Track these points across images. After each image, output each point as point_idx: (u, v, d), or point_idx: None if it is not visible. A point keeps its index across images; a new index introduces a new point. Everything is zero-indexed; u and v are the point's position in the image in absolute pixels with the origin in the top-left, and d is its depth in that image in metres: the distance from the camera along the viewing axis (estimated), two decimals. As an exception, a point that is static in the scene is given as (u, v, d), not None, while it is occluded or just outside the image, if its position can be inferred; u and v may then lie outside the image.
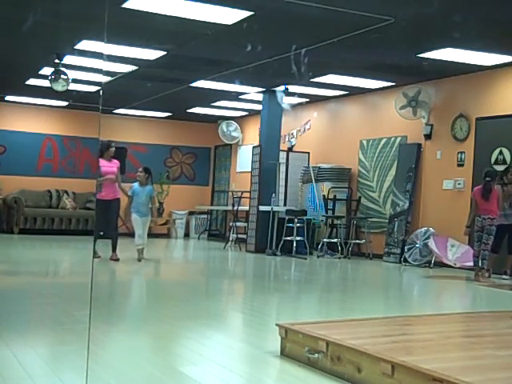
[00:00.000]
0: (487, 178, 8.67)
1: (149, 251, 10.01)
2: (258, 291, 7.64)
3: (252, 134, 15.17)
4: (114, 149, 9.60)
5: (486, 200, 8.63)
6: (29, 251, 11.39)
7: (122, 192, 9.66)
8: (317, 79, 10.81)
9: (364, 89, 11.70)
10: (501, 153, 9.58)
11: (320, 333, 3.79)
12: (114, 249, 9.38)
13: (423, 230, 10.47)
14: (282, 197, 12.57)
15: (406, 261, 10.55)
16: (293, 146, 13.48)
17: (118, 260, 9.24)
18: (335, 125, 12.98)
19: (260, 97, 12.57)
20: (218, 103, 13.87)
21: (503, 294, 7.85)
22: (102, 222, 9.62)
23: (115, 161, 9.65)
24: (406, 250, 10.60)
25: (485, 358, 3.52)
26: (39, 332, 4.60)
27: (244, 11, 7.17)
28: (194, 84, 11.63)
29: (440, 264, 10.01)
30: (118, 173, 9.60)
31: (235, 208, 13.53)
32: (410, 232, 10.72)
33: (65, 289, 6.82)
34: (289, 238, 11.52)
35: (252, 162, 12.56)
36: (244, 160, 15.36)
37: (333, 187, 12.09)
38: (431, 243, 9.86)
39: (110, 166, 9.54)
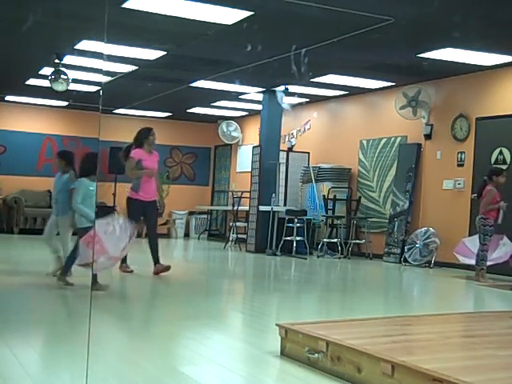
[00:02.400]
0: (484, 177, 8.67)
1: (147, 252, 9.98)
2: (258, 291, 7.64)
3: (252, 134, 15.17)
4: (154, 137, 7.97)
5: (480, 199, 8.63)
6: (29, 251, 11.37)
7: (157, 191, 8.14)
8: (317, 79, 10.81)
9: (364, 89, 11.70)
10: (501, 153, 9.58)
11: (320, 333, 3.79)
12: (156, 260, 7.86)
13: (423, 229, 10.47)
14: (282, 197, 12.57)
15: (406, 261, 10.55)
16: (293, 146, 13.48)
17: (165, 270, 7.75)
18: (335, 125, 12.98)
19: (260, 97, 12.56)
20: (218, 103, 13.87)
21: (503, 293, 7.86)
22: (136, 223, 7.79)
23: (156, 153, 8.07)
24: (405, 250, 10.60)
25: (485, 358, 3.52)
26: (39, 332, 4.60)
27: (244, 11, 7.17)
28: (194, 84, 11.63)
29: (440, 264, 10.02)
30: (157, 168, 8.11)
31: (235, 208, 13.52)
32: (410, 232, 10.72)
33: (65, 289, 6.81)
34: (289, 238, 11.51)
35: (252, 161, 12.56)
36: (244, 160, 15.36)
37: (333, 187, 12.09)
38: (467, 244, 9.08)
39: (151, 160, 7.90)
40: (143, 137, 7.91)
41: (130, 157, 7.80)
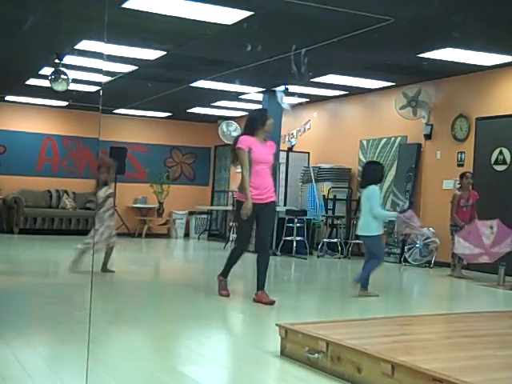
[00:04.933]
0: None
1: (147, 252, 9.97)
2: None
3: (252, 134, 15.15)
4: (272, 123, 6.35)
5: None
6: (29, 251, 11.38)
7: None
8: (317, 79, 10.81)
9: (364, 89, 11.69)
10: (501, 153, 9.58)
11: (320, 333, 3.79)
12: (261, 285, 6.21)
13: (423, 230, 10.46)
14: (282, 197, 12.56)
15: (405, 261, 10.55)
16: (293, 146, 13.48)
17: (269, 303, 6.02)
18: (335, 125, 12.98)
19: (260, 97, 12.56)
20: (218, 103, 13.87)
21: (503, 293, 7.86)
22: (247, 236, 6.47)
23: (271, 143, 6.34)
24: (405, 250, 10.60)
25: (485, 358, 3.52)
26: (39, 332, 4.60)
27: (244, 11, 7.17)
28: (194, 84, 11.63)
29: (440, 264, 10.02)
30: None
31: (235, 208, 13.50)
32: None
33: (65, 289, 6.82)
34: (289, 238, 11.51)
35: (252, 161, 12.54)
36: (244, 160, 15.34)
37: (333, 187, 12.09)
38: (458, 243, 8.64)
39: (265, 152, 6.20)
40: (258, 123, 6.18)
41: (238, 147, 6.11)
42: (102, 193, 7.93)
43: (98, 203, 7.97)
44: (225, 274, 6.50)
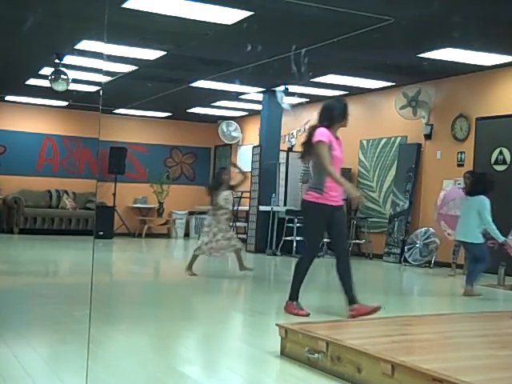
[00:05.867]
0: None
1: (147, 252, 9.97)
2: (258, 291, 7.64)
3: (252, 134, 15.16)
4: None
5: None
6: (29, 251, 11.38)
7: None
8: (317, 79, 10.81)
9: (364, 89, 11.69)
10: (501, 153, 9.58)
11: (320, 333, 3.79)
12: (352, 297, 5.40)
13: (423, 229, 10.46)
14: (282, 197, 12.56)
15: (406, 261, 10.55)
16: (293, 146, 13.47)
17: (372, 312, 5.29)
18: (335, 125, 12.96)
19: (260, 97, 12.56)
20: (218, 103, 13.86)
21: (503, 293, 7.85)
22: (319, 243, 6.15)
23: (341, 140, 5.66)
24: (406, 250, 10.60)
25: (485, 358, 3.52)
26: (39, 332, 4.60)
27: (244, 11, 7.17)
28: (194, 84, 11.63)
29: (440, 264, 10.02)
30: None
31: (235, 208, 13.52)
32: (410, 232, 10.72)
33: (65, 289, 6.82)
34: (289, 238, 11.51)
35: (252, 162, 12.56)
36: (244, 160, 15.34)
37: (333, 187, 12.07)
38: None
39: (341, 150, 5.63)
40: (338, 115, 5.46)
41: (319, 140, 5.29)
42: (225, 195, 8.13)
43: (218, 204, 8.09)
44: (294, 296, 5.57)
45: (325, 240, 11.58)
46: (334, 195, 5.36)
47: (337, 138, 5.47)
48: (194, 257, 8.22)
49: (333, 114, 5.40)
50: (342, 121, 5.46)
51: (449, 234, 9.23)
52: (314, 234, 5.55)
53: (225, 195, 8.13)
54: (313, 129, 5.44)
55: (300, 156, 5.71)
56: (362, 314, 5.21)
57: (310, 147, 5.41)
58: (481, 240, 7.22)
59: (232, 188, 8.34)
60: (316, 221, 5.42)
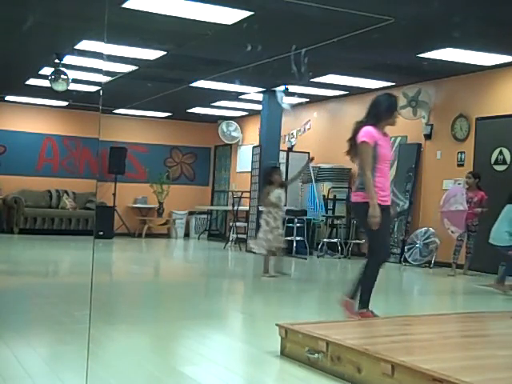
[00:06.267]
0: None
1: (147, 252, 9.97)
2: (257, 291, 7.64)
3: (252, 134, 15.16)
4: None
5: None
6: (29, 251, 11.38)
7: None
8: (317, 79, 10.81)
9: (364, 89, 11.68)
10: (501, 153, 9.58)
11: (320, 333, 3.79)
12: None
13: (423, 229, 10.47)
14: (281, 197, 12.55)
15: (406, 261, 10.55)
16: (293, 146, 13.47)
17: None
18: (335, 125, 12.97)
19: (260, 97, 12.56)
20: (218, 103, 13.86)
21: (503, 294, 7.84)
22: (388, 243, 6.04)
23: (389, 136, 5.32)
24: (406, 250, 10.60)
25: (485, 358, 3.52)
26: (39, 332, 4.60)
27: (244, 11, 7.17)
28: (194, 84, 11.63)
29: (440, 264, 10.01)
30: None
31: (235, 208, 13.52)
32: (410, 232, 10.72)
33: (65, 289, 6.82)
34: (289, 238, 11.50)
35: (252, 162, 12.56)
36: (244, 160, 15.36)
37: (333, 187, 12.09)
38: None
39: (387, 147, 5.23)
40: (387, 111, 5.18)
41: (362, 141, 5.09)
42: (278, 193, 8.46)
43: (270, 201, 8.37)
44: (366, 304, 5.21)
45: (325, 240, 11.65)
46: (383, 195, 5.09)
47: (384, 135, 5.19)
48: (265, 259, 8.37)
49: (380, 111, 5.14)
50: (390, 118, 5.17)
51: (452, 232, 9.25)
52: (381, 235, 5.13)
53: (277, 193, 8.44)
54: (358, 125, 5.24)
55: (346, 152, 5.43)
56: (349, 311, 5.22)
57: (355, 145, 5.22)
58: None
59: (283, 186, 8.72)
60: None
